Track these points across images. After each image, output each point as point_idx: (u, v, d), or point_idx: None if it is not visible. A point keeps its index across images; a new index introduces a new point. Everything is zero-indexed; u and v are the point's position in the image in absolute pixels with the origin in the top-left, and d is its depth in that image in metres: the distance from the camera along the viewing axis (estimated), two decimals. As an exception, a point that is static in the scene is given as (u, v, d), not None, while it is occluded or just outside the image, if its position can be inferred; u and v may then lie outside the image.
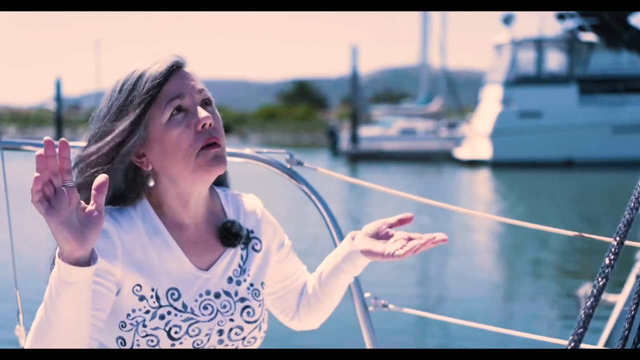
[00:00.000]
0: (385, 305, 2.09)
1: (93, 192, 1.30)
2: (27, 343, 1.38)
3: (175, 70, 1.55)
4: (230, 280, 1.63)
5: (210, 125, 1.53)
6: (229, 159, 1.64)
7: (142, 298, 1.53)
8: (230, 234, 1.64)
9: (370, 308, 2.09)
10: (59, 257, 1.31)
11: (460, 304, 8.44)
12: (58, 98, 44.73)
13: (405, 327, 7.17)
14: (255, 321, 1.62)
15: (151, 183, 1.60)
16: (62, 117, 44.60)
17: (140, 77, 1.53)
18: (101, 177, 1.30)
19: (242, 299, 1.62)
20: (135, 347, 1.52)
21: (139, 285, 1.53)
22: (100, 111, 1.56)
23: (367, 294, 2.09)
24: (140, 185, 1.60)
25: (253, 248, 1.70)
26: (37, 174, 1.25)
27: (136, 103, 1.51)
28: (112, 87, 1.56)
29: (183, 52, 1.62)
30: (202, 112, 1.53)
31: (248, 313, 1.61)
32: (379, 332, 2.10)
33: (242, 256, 1.67)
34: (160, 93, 1.52)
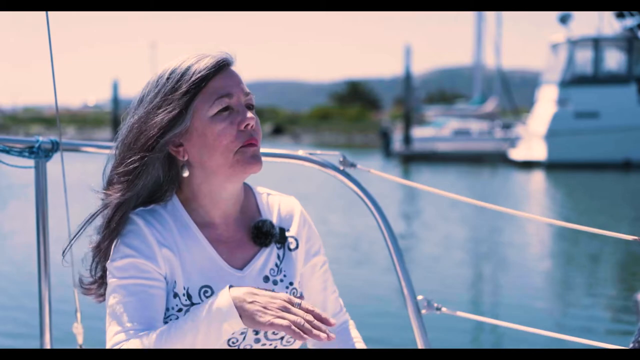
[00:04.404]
0: (438, 309, 2.07)
1: None
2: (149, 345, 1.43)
3: (224, 66, 1.58)
4: (266, 279, 1.63)
5: (252, 127, 1.57)
6: (283, 160, 1.65)
7: (175, 295, 1.55)
8: (262, 233, 1.65)
9: (423, 311, 2.07)
10: (236, 311, 1.40)
11: (514, 308, 8.32)
12: (115, 99, 45.57)
13: (458, 331, 7.10)
14: None
15: (185, 173, 1.60)
16: (118, 118, 45.26)
17: (189, 67, 1.56)
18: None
19: None
20: None
21: (174, 281, 1.56)
22: (143, 97, 1.58)
23: (419, 297, 2.08)
24: (175, 177, 1.62)
25: (288, 247, 1.70)
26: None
27: (183, 92, 1.54)
28: (159, 74, 1.58)
29: (236, 52, 1.63)
30: (247, 113, 1.57)
31: None
32: (432, 336, 2.08)
33: (278, 255, 1.67)
34: (208, 86, 1.55)
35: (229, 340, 1.54)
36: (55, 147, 2.06)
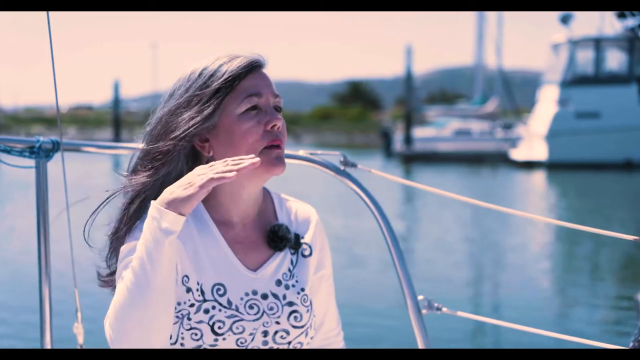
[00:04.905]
0: (438, 309, 2.07)
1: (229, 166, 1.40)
2: (120, 304, 1.40)
3: (256, 67, 1.61)
4: (279, 283, 1.64)
5: (278, 128, 1.59)
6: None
7: (188, 290, 1.55)
8: (277, 237, 1.66)
9: (424, 311, 2.07)
10: (165, 207, 1.39)
11: (514, 308, 8.32)
12: (116, 99, 45.57)
13: (459, 331, 7.10)
14: (303, 326, 1.62)
15: None
16: (119, 118, 45.37)
17: (221, 65, 1.59)
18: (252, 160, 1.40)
19: (290, 303, 1.62)
20: (180, 340, 1.54)
21: (186, 276, 1.56)
22: (174, 91, 1.61)
23: (420, 297, 2.08)
24: None
25: (302, 254, 1.71)
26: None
27: (214, 89, 1.57)
28: (191, 70, 1.61)
29: (268, 55, 1.65)
30: (275, 114, 1.60)
31: (295, 318, 1.61)
32: (432, 336, 2.08)
33: (292, 261, 1.68)
34: (238, 85, 1.58)
35: (237, 339, 1.54)
36: (55, 147, 2.06)
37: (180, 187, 1.40)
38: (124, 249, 1.52)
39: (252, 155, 1.42)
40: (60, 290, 2.95)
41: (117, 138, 41.67)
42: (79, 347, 2.13)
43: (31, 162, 2.05)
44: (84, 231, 1.62)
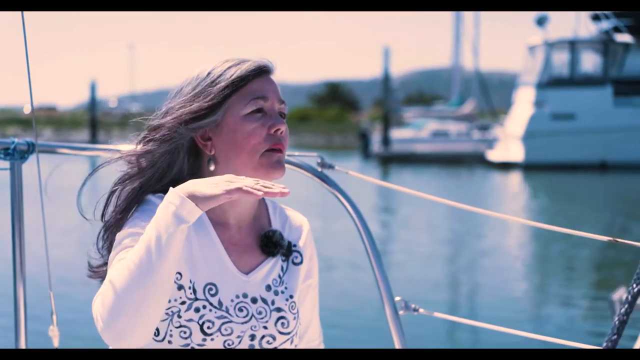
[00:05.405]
0: (415, 310, 2.08)
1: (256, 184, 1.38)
2: (118, 283, 1.34)
3: (264, 72, 1.63)
4: (268, 288, 1.64)
5: (282, 133, 1.61)
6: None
7: (180, 287, 1.55)
8: (271, 243, 1.67)
9: (401, 312, 2.08)
10: (185, 196, 1.36)
11: (491, 309, 8.37)
12: (93, 100, 45.21)
13: (436, 332, 7.13)
14: (289, 333, 1.62)
15: (212, 167, 1.62)
16: (96, 119, 45.05)
17: (230, 67, 1.61)
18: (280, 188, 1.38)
19: (278, 309, 1.63)
20: (168, 337, 1.53)
21: (179, 273, 1.55)
22: (182, 88, 1.63)
23: (397, 298, 2.08)
24: (196, 170, 1.64)
25: (293, 261, 1.72)
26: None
27: (221, 87, 1.59)
28: (199, 70, 1.63)
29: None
30: (279, 119, 1.62)
31: (282, 324, 1.62)
32: (409, 336, 2.08)
33: (282, 267, 1.69)
34: (245, 87, 1.60)
35: (224, 341, 1.54)
36: (31, 148, 2.05)
37: (206, 183, 1.38)
38: (121, 234, 1.50)
39: (283, 186, 1.40)
40: (35, 293, 2.93)
41: (93, 139, 41.38)
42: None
43: (6, 164, 2.03)
44: (77, 202, 1.62)
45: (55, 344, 2.13)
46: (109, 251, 1.58)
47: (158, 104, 1.66)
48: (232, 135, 1.59)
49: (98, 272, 1.64)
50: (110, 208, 1.59)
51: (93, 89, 44.58)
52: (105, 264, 1.61)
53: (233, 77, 1.59)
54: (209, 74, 1.61)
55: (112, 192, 1.59)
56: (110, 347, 1.43)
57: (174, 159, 1.60)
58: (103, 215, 1.60)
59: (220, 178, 1.40)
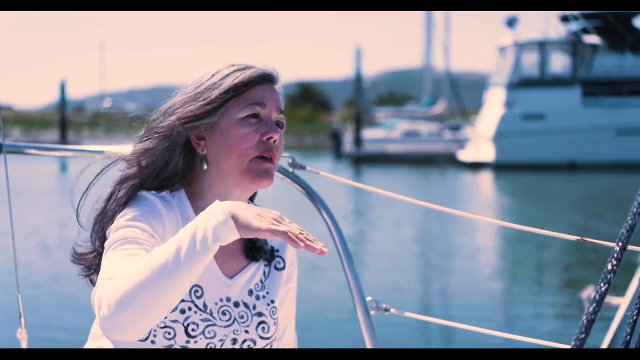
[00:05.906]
0: (387, 310, 2.08)
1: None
2: (136, 277, 1.30)
3: (268, 80, 1.64)
4: (251, 293, 1.65)
5: (275, 141, 1.61)
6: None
7: None
8: (255, 247, 1.67)
9: (372, 312, 2.08)
10: (231, 219, 1.32)
11: (463, 308, 8.42)
12: (63, 100, 44.75)
13: (407, 332, 7.16)
14: (269, 338, 1.63)
15: (204, 167, 1.63)
16: (66, 119, 44.61)
17: (234, 72, 1.62)
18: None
19: (260, 314, 1.63)
20: (152, 338, 1.52)
21: None
22: (185, 89, 1.63)
23: (369, 298, 2.09)
24: (188, 170, 1.63)
25: (275, 267, 1.72)
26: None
27: (222, 90, 1.59)
28: (203, 73, 1.64)
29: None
30: (275, 127, 1.62)
31: (263, 329, 1.62)
32: (380, 337, 2.09)
33: (264, 272, 1.69)
34: (246, 92, 1.60)
35: (207, 344, 1.54)
36: (-2, 149, 2.02)
37: (252, 212, 1.34)
38: (117, 225, 1.49)
39: (323, 245, 1.38)
40: (1, 295, 2.89)
41: (63, 140, 40.97)
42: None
43: (-27, 165, 2.00)
44: (77, 210, 1.61)
45: (24, 346, 2.11)
46: (100, 241, 1.58)
47: (128, 103, 1.65)
48: (225, 138, 1.59)
49: (84, 260, 1.62)
50: (109, 204, 1.58)
51: (63, 88, 44.13)
52: (92, 252, 1.60)
53: (236, 81, 1.60)
54: (212, 76, 1.62)
55: (112, 193, 1.58)
56: (105, 336, 1.40)
57: (171, 157, 1.60)
58: (102, 213, 1.59)
59: (268, 213, 1.37)
